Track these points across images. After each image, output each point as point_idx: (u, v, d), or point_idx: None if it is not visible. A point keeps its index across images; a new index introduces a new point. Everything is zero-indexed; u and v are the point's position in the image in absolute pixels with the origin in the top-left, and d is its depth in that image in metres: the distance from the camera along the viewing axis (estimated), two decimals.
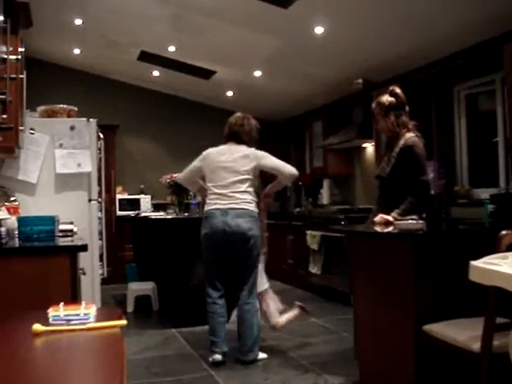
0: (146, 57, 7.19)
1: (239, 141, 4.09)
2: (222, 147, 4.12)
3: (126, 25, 6.22)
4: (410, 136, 3.67)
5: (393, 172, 3.69)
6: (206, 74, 7.45)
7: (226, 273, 4.07)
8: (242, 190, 3.96)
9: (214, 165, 4.03)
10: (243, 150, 4.04)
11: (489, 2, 4.26)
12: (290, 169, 4.09)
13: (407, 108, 3.78)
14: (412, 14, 4.71)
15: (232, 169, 3.98)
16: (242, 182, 3.97)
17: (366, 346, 3.42)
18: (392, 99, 3.74)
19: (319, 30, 5.35)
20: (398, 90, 3.77)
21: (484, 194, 5.02)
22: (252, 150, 4.06)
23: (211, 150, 4.12)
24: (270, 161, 4.07)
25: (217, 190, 3.99)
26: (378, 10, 4.77)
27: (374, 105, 3.84)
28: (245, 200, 3.95)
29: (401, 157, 3.65)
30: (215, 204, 3.97)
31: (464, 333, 2.50)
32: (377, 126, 3.92)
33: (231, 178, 3.97)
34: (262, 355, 4.03)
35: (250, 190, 4.00)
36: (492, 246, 2.35)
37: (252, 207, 3.97)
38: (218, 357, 3.93)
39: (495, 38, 4.60)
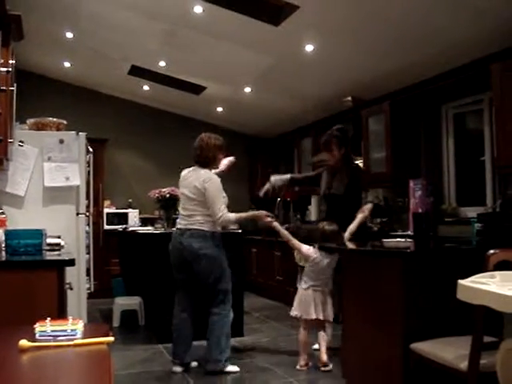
0: (137, 71, 7.20)
1: (199, 164, 4.13)
2: (187, 170, 4.20)
3: (117, 39, 6.23)
4: None
5: None
6: (196, 89, 7.47)
7: (189, 289, 4.12)
8: (196, 212, 4.02)
9: (180, 189, 4.21)
10: (201, 174, 4.06)
11: (477, 23, 4.33)
12: (216, 210, 3.95)
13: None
14: (401, 33, 4.77)
15: (188, 195, 4.08)
16: (197, 204, 4.02)
17: (353, 364, 3.41)
18: None
19: (309, 47, 5.40)
20: None
21: (471, 212, 5.06)
22: (206, 175, 4.04)
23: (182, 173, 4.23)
24: (208, 193, 3.98)
25: (181, 212, 4.15)
26: (368, 28, 4.82)
27: None
28: (198, 221, 4.00)
29: None
30: (177, 224, 4.16)
31: (451, 351, 2.50)
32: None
33: (189, 201, 4.06)
34: (232, 368, 4.02)
35: (202, 210, 4.00)
36: (479, 265, 2.36)
37: (204, 227, 4.00)
38: (177, 368, 4.07)
39: (483, 59, 4.69)
